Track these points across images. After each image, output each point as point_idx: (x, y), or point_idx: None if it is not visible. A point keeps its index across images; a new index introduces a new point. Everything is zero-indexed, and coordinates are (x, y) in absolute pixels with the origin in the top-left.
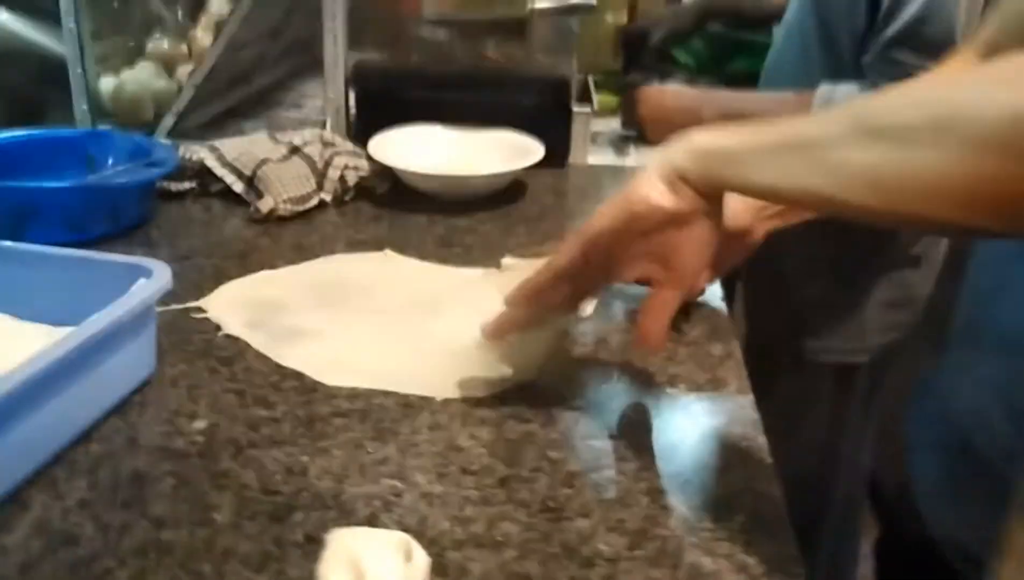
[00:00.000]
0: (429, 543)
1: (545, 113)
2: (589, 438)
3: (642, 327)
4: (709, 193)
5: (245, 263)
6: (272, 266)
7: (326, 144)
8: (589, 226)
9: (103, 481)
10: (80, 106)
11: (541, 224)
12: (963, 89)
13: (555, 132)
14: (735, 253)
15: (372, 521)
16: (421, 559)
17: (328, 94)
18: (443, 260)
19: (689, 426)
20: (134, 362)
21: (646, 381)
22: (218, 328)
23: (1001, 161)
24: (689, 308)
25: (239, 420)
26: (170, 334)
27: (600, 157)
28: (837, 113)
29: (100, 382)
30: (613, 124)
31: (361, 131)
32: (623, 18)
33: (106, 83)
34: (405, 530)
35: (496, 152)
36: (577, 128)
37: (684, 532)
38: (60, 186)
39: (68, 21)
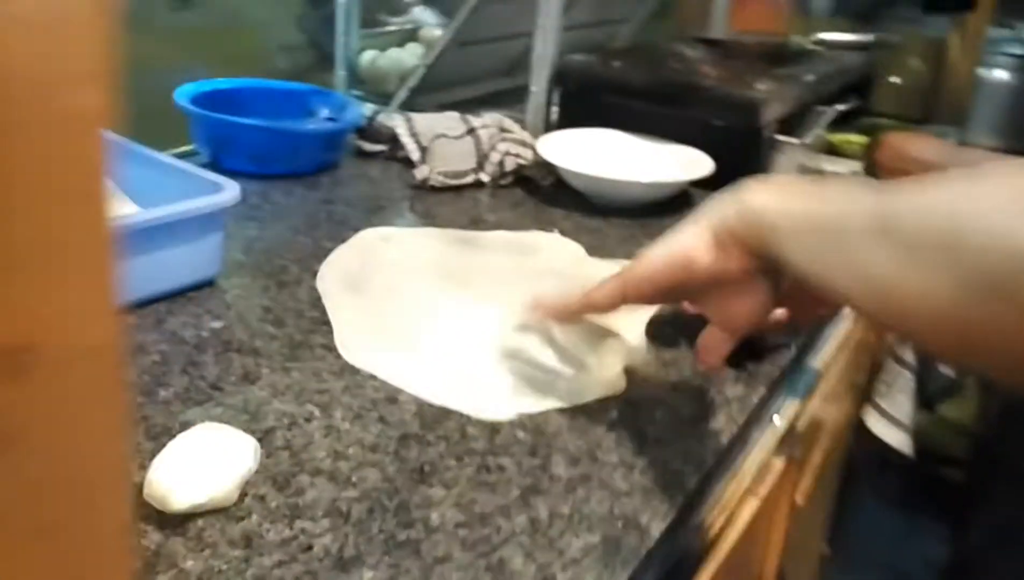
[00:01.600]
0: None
1: (733, 135)
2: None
3: (698, 358)
4: (760, 255)
5: (378, 217)
6: (392, 223)
7: (502, 130)
8: (631, 272)
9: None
10: (339, 71)
11: None
12: (980, 205)
13: (742, 156)
14: (817, 305)
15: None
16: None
17: (531, 88)
18: None
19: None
20: (189, 261)
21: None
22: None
23: (1000, 306)
24: (761, 350)
25: (252, 330)
26: (266, 259)
27: None
28: (874, 197)
29: (152, 266)
30: (856, 166)
31: (561, 127)
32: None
33: (366, 56)
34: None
35: (667, 164)
36: (780, 158)
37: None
38: (246, 123)
39: None
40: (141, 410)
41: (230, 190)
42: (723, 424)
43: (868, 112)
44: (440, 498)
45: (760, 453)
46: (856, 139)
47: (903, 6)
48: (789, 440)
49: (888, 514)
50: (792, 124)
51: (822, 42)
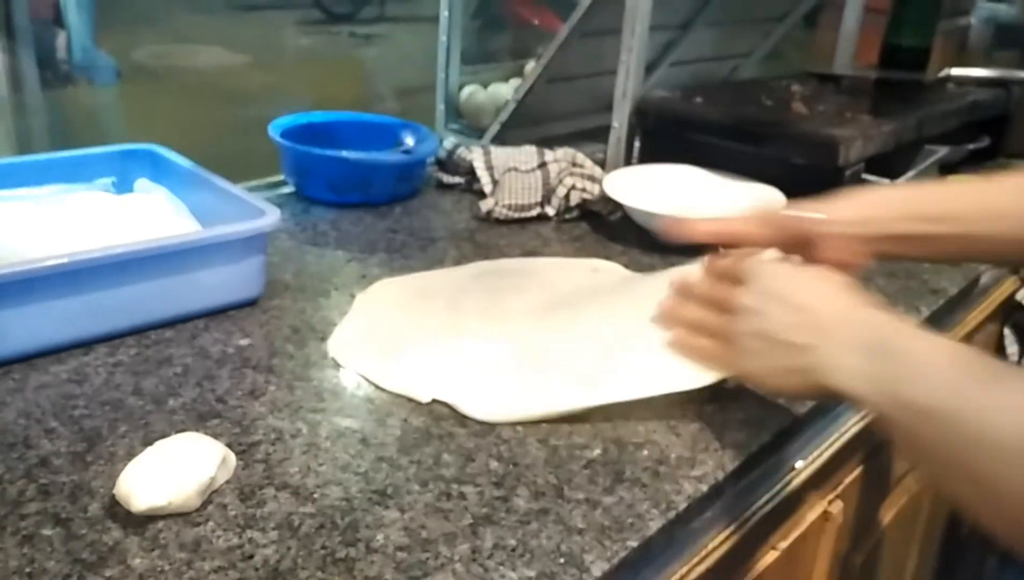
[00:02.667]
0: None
1: (812, 173)
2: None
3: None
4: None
5: (433, 247)
6: (446, 254)
7: (574, 164)
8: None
9: (152, 356)
10: (439, 105)
11: None
12: None
13: (821, 195)
14: None
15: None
16: (230, 461)
17: (613, 123)
18: None
19: None
20: (230, 281)
21: None
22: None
23: None
24: None
25: (273, 349)
26: (311, 283)
27: None
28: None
29: (192, 284)
30: None
31: (641, 162)
32: None
33: (465, 91)
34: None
35: (736, 201)
36: None
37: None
38: (322, 153)
39: (442, 35)
40: (146, 417)
41: (270, 216)
42: (708, 470)
43: (1000, 152)
44: (391, 520)
45: (776, 502)
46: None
47: None
48: (822, 489)
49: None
50: (895, 162)
51: (951, 78)
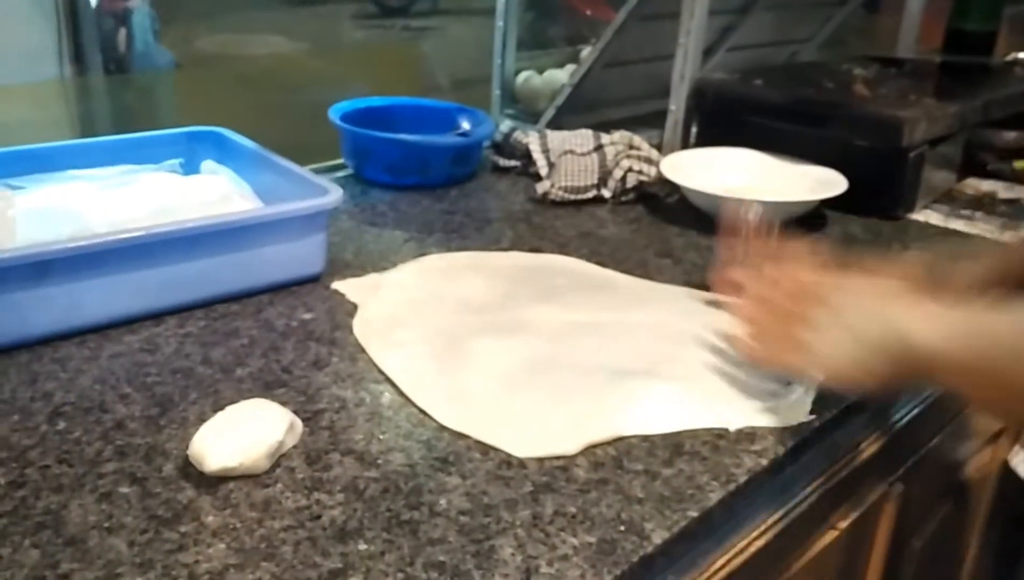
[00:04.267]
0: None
1: (875, 155)
2: None
3: None
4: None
5: (489, 228)
6: (502, 234)
7: (631, 147)
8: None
9: (219, 328)
10: (494, 91)
11: None
12: None
13: (885, 176)
14: None
15: None
16: (297, 427)
17: (671, 106)
18: (651, 274)
19: None
20: (293, 258)
21: None
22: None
23: None
24: None
25: (335, 322)
26: (370, 261)
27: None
28: None
29: (257, 259)
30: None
31: (698, 145)
32: None
33: (521, 76)
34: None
35: (797, 184)
36: (933, 180)
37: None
38: (380, 136)
39: (498, 21)
40: (215, 385)
41: (333, 194)
42: (769, 445)
43: None
44: (453, 486)
45: (836, 481)
46: None
47: None
48: (883, 470)
49: None
50: (958, 147)
51: (1018, 61)
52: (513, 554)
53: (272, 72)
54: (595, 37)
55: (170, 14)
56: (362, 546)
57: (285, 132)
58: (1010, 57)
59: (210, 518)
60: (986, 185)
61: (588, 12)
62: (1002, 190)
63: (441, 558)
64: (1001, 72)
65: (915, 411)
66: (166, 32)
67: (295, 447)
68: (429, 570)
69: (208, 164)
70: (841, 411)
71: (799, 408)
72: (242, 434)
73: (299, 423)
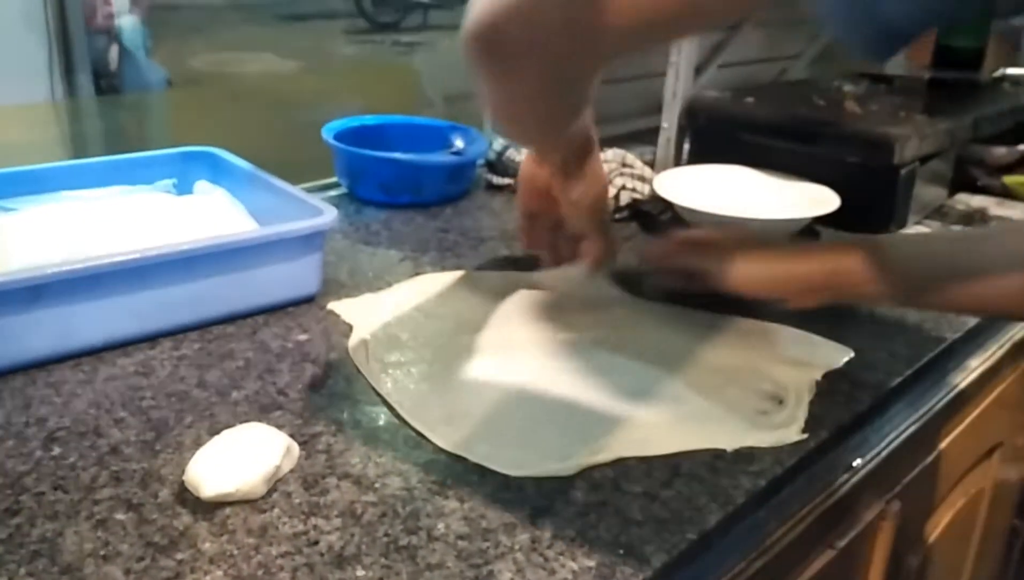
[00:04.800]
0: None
1: (867, 172)
2: None
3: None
4: None
5: (484, 246)
6: (496, 252)
7: (624, 165)
8: None
9: (215, 350)
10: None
11: None
12: None
13: (876, 194)
14: None
15: None
16: (294, 451)
17: (663, 124)
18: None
19: None
20: (288, 278)
21: None
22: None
23: None
24: None
25: (331, 344)
26: (366, 281)
27: None
28: None
29: (252, 280)
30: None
31: (691, 162)
32: None
33: None
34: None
35: (790, 201)
36: (923, 197)
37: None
38: (373, 155)
39: None
40: (211, 408)
41: (327, 214)
42: (766, 465)
43: None
44: (451, 510)
45: (833, 500)
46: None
47: None
48: (880, 488)
49: None
50: (949, 163)
51: (1007, 77)
52: (512, 579)
53: (265, 90)
54: None
55: (163, 31)
56: (360, 572)
57: (278, 150)
58: (998, 73)
59: (207, 544)
60: (977, 200)
61: None
62: (993, 206)
63: None
64: (990, 88)
65: (911, 428)
66: (158, 49)
67: (292, 471)
68: None
69: (202, 184)
70: (836, 430)
71: (792, 426)
72: (238, 459)
73: (296, 447)
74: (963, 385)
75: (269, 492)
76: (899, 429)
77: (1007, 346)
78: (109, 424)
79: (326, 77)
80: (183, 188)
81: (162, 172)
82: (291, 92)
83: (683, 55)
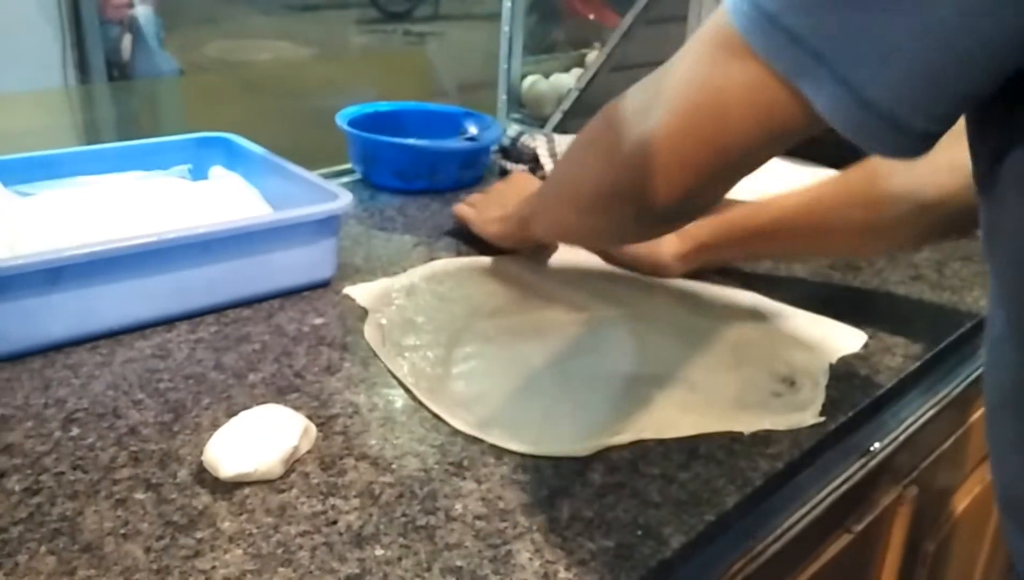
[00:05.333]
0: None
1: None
2: None
3: None
4: None
5: None
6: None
7: None
8: None
9: (231, 333)
10: (501, 95)
11: (792, 264)
12: None
13: None
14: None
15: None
16: (311, 432)
17: None
18: None
19: None
20: (304, 263)
21: None
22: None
23: None
24: None
25: (347, 328)
26: (380, 266)
27: None
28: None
29: (268, 264)
30: None
31: None
32: None
33: (527, 81)
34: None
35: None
36: None
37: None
38: (388, 141)
39: (504, 26)
40: (228, 390)
41: (343, 199)
42: (784, 448)
43: None
44: (469, 491)
45: (851, 484)
46: None
47: None
48: (897, 473)
49: None
50: None
51: None
52: (531, 559)
53: (277, 78)
54: (599, 41)
55: (175, 20)
56: (379, 551)
57: (292, 137)
58: None
59: (226, 524)
60: None
61: (591, 16)
62: None
63: (458, 563)
64: None
65: (929, 413)
66: (171, 38)
67: (309, 452)
68: (447, 575)
69: (217, 170)
70: (855, 414)
71: (809, 409)
72: (256, 440)
73: (313, 428)
74: (981, 371)
75: (287, 472)
76: (917, 414)
77: None
78: (127, 405)
79: (338, 65)
80: (198, 173)
81: (177, 157)
82: (303, 80)
83: None
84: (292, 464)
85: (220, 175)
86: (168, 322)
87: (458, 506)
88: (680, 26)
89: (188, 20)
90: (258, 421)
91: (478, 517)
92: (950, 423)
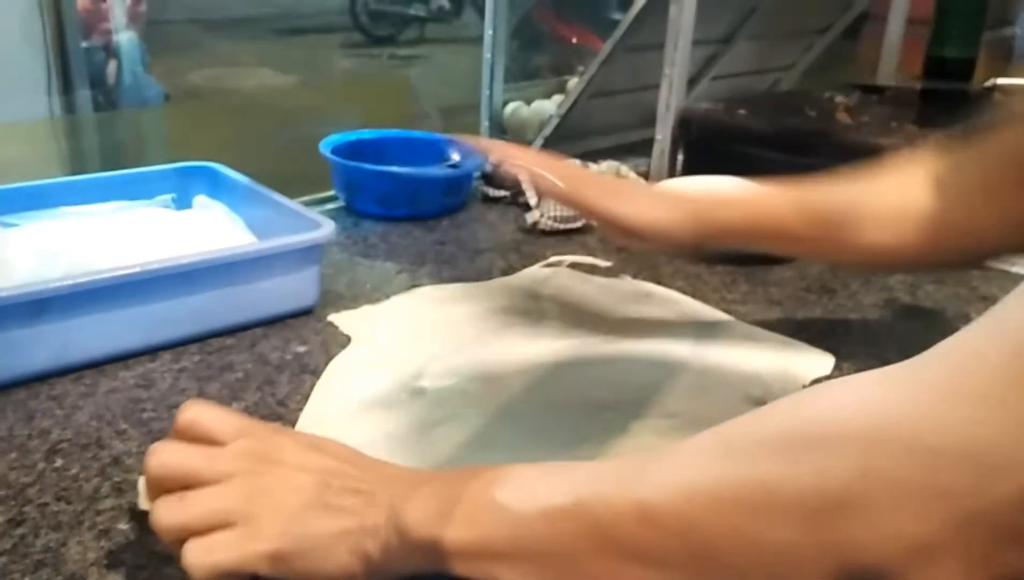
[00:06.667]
0: None
1: None
2: None
3: None
4: None
5: (481, 257)
6: (493, 265)
7: (618, 176)
8: None
9: (214, 362)
10: (483, 121)
11: (769, 287)
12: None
13: None
14: None
15: None
16: None
17: (657, 136)
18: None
19: None
20: (287, 291)
21: None
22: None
23: None
24: None
25: (330, 355)
26: (363, 293)
27: None
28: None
29: (252, 293)
30: None
31: (685, 174)
32: None
33: (509, 107)
34: None
35: None
36: None
37: None
38: (370, 169)
39: (486, 52)
40: None
41: (325, 228)
42: None
43: None
44: None
45: None
46: None
47: None
48: None
49: None
50: None
51: (997, 87)
52: None
53: (262, 104)
54: (581, 65)
55: (160, 46)
56: None
57: (276, 164)
58: (989, 83)
59: None
60: None
61: (574, 40)
62: None
63: None
64: (980, 98)
65: None
66: (156, 64)
67: None
68: None
69: (201, 199)
70: None
71: None
72: None
73: None
74: None
75: None
76: None
77: None
78: (111, 436)
79: (322, 91)
80: (182, 203)
81: (161, 187)
82: (288, 106)
83: (677, 67)
84: None
85: (204, 204)
86: (152, 352)
87: None
88: (658, 53)
89: (174, 46)
90: None
91: None
92: None
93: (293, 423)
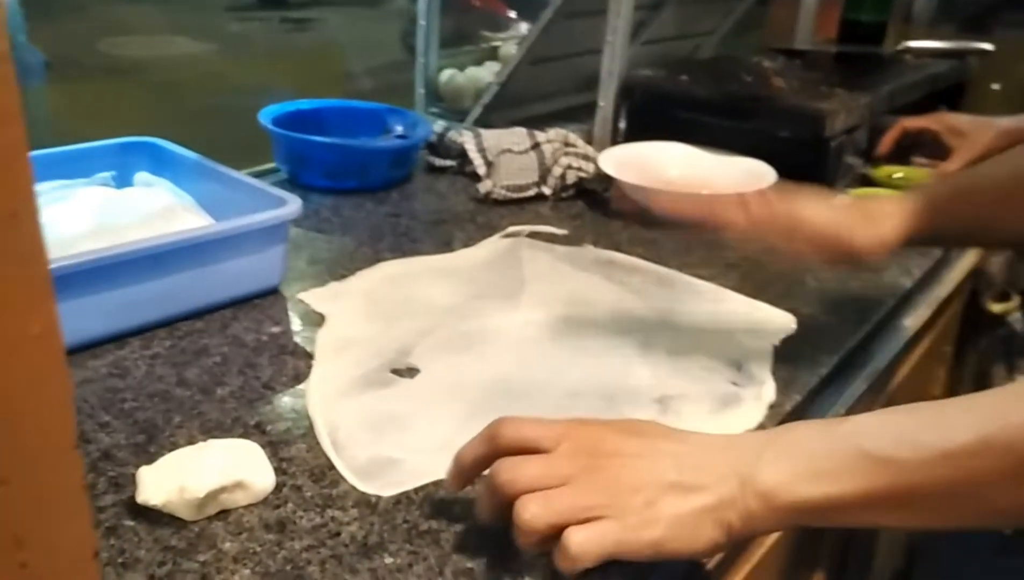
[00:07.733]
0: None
1: (798, 146)
2: None
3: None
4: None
5: (439, 229)
6: (452, 236)
7: (567, 144)
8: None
9: (187, 347)
10: (418, 89)
11: (725, 250)
12: None
13: (807, 167)
14: None
15: None
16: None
17: (599, 102)
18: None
19: None
20: (254, 270)
21: None
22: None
23: None
24: None
25: (306, 334)
26: (327, 269)
27: None
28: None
29: (219, 274)
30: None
31: (627, 140)
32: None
33: (444, 74)
34: None
35: (729, 176)
36: (847, 168)
37: None
38: (318, 141)
39: (421, 20)
40: (197, 407)
41: (292, 204)
42: None
43: None
44: (466, 491)
45: None
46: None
47: (1011, 12)
48: None
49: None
50: (866, 133)
51: (909, 50)
52: (539, 556)
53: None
54: (501, 32)
55: (39, 11)
56: (388, 560)
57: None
58: (901, 46)
59: (227, 544)
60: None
61: (477, 3)
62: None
63: (469, 565)
64: (893, 61)
65: (863, 387)
66: (36, 31)
67: (296, 465)
68: (459, 577)
69: (142, 176)
70: (806, 393)
71: (765, 396)
72: (187, 475)
73: (257, 482)
74: (906, 338)
75: (278, 487)
76: (854, 385)
77: (934, 306)
78: (95, 429)
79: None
80: (122, 180)
81: (100, 164)
82: (184, 75)
83: (619, 35)
84: (282, 478)
85: (146, 181)
86: (118, 339)
87: (456, 508)
88: (599, 20)
89: (55, 10)
90: (210, 455)
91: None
92: (883, 388)
93: (284, 406)
